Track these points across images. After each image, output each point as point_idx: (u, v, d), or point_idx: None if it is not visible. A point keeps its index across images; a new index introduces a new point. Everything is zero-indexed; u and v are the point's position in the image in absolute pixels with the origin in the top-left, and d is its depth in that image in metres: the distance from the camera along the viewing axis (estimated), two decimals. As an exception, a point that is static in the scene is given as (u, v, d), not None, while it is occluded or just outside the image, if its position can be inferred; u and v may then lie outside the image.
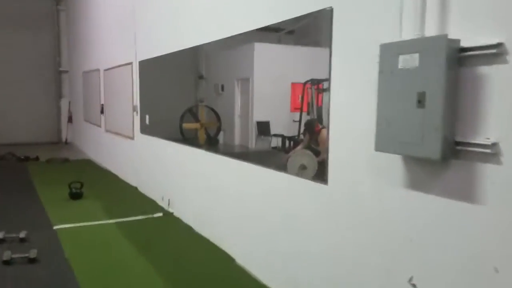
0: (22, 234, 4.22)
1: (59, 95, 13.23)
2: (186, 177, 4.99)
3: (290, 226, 3.13)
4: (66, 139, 13.07)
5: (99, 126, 9.17)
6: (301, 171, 3.04)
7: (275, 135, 3.58)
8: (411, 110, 1.92)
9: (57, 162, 9.25)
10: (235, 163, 3.94)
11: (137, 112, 6.55)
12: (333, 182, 2.68)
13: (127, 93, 6.99)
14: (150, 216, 5.19)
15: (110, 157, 8.42)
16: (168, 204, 5.46)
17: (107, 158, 8.70)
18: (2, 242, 4.15)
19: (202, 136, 4.81)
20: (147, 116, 6.18)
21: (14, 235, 4.22)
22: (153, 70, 5.95)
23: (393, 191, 2.22)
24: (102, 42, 8.85)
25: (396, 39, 2.07)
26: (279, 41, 3.54)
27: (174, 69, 5.46)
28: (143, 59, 6.19)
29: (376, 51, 2.10)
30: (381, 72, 2.07)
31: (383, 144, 2.09)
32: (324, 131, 2.78)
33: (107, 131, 8.53)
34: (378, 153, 2.17)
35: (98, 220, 4.98)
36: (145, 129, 6.31)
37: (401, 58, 1.96)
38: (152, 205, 5.71)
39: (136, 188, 6.66)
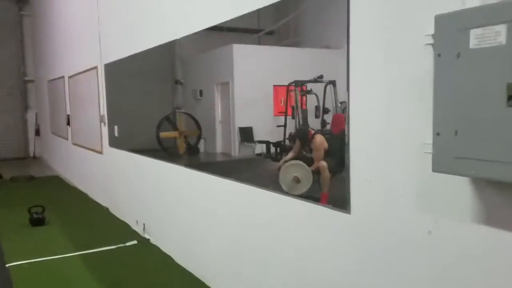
0: (-38, 282, 3.42)
1: (25, 107, 12.26)
2: (164, 197, 4.26)
3: (295, 272, 2.44)
4: (34, 154, 12.10)
5: (66, 138, 8.32)
6: (294, 184, 2.69)
7: (260, 142, 3.38)
8: (495, 111, 1.26)
9: (22, 180, 8.36)
10: (224, 182, 3.25)
11: (104, 123, 5.77)
12: (358, 210, 2.00)
13: (93, 102, 6.21)
14: (122, 245, 4.42)
15: (79, 174, 7.58)
16: (144, 229, 4.70)
17: (75, 175, 7.85)
18: None
19: (181, 145, 4.43)
20: (115, 127, 5.41)
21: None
22: (122, 75, 5.20)
23: (459, 228, 1.55)
24: (66, 46, 8.01)
25: (458, 7, 1.41)
26: (258, 43, 3.42)
27: (147, 75, 4.80)
28: (109, 61, 5.42)
29: (417, 29, 1.44)
30: (439, 56, 1.40)
31: (445, 162, 1.42)
32: (318, 137, 2.59)
33: (74, 144, 7.70)
34: (432, 174, 1.50)
35: (61, 253, 4.19)
36: (114, 142, 5.53)
37: (474, 33, 1.29)
38: (125, 230, 4.94)
39: (107, 209, 5.86)
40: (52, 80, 9.44)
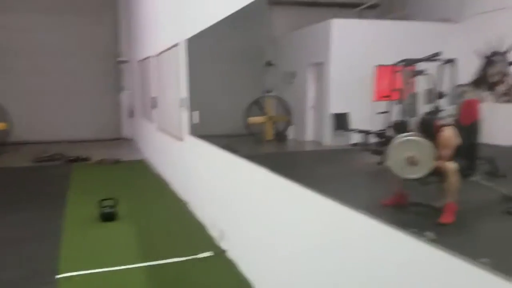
0: (0, 295, 2.86)
1: (119, 88, 12.27)
2: (246, 202, 3.36)
3: None
4: (126, 136, 12.11)
5: (152, 122, 7.88)
6: (408, 167, 2.12)
7: (358, 130, 3.03)
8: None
9: (108, 164, 8.12)
10: (307, 194, 2.23)
11: (184, 107, 5.03)
12: None
13: (174, 83, 5.51)
14: (194, 256, 3.63)
15: (162, 160, 7.07)
16: (221, 237, 3.87)
17: (159, 161, 7.37)
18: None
19: (269, 131, 4.18)
20: (195, 113, 4.62)
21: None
22: (205, 55, 4.40)
23: None
24: (153, 22, 7.49)
25: None
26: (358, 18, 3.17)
27: (234, 55, 4.11)
28: (191, 35, 4.62)
29: None
30: None
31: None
32: (447, 131, 2.12)
33: (158, 128, 7.18)
34: None
35: (122, 263, 3.51)
36: (194, 129, 4.77)
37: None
38: (201, 235, 4.16)
39: (185, 205, 5.17)
40: (141, 60, 9.10)
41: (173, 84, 5.66)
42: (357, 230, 1.97)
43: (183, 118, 5.13)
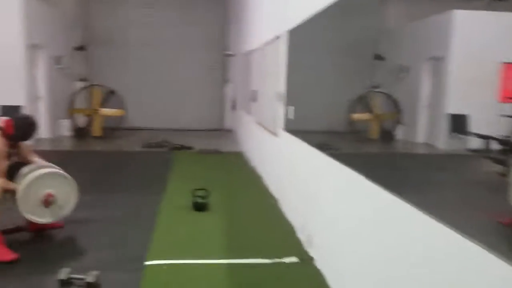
0: (91, 277, 2.95)
1: (224, 81, 12.59)
2: (340, 211, 3.08)
3: None
4: (228, 127, 12.40)
5: (251, 115, 7.88)
6: None
7: (478, 136, 2.67)
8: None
9: (208, 153, 8.34)
10: (429, 222, 1.87)
11: (281, 102, 4.86)
12: None
13: (273, 78, 5.37)
14: (278, 260, 3.44)
15: (258, 154, 7.02)
16: (309, 242, 3.63)
17: (255, 154, 7.33)
18: (66, 285, 2.95)
19: (375, 129, 3.98)
20: (291, 108, 4.42)
21: (81, 276, 2.97)
22: (307, 47, 4.16)
23: None
24: (258, 13, 7.44)
25: None
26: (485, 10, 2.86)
27: (338, 48, 3.83)
28: (293, 26, 4.42)
29: None
30: None
31: None
32: None
33: (256, 122, 7.14)
34: None
35: (208, 256, 3.46)
36: (288, 126, 4.58)
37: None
38: (288, 237, 3.97)
39: (276, 202, 5.02)
40: (245, 53, 9.16)
41: (272, 77, 5.52)
42: (467, 258, 1.59)
43: (279, 113, 4.97)
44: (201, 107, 12.43)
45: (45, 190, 3.50)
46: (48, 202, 3.49)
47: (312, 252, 3.54)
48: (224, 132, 12.18)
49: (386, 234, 2.29)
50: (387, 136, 3.98)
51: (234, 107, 12.14)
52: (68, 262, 3.29)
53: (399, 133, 3.85)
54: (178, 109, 12.26)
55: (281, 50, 4.91)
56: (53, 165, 3.88)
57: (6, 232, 3.62)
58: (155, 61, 12.02)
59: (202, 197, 4.69)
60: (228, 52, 12.41)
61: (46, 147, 8.60)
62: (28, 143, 3.81)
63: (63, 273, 2.96)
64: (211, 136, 11.12)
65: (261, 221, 4.44)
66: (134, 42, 11.88)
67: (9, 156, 3.52)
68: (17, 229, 3.76)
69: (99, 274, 2.97)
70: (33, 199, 3.44)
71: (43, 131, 9.42)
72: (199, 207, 4.63)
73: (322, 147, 3.48)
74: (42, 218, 3.51)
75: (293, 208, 4.34)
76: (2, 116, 7.48)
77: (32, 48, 8.85)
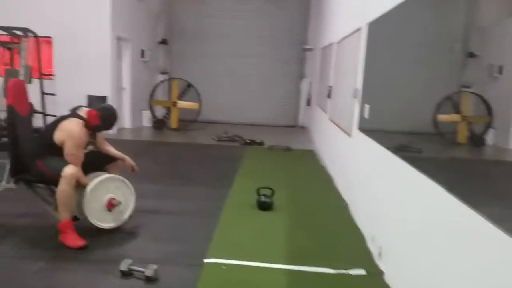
0: (149, 271, 2.93)
1: (300, 76, 12.34)
2: (417, 225, 2.75)
3: None
4: (302, 124, 12.15)
5: (325, 112, 7.59)
6: None
7: None
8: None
9: (278, 150, 8.19)
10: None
11: (357, 99, 4.54)
12: None
13: (350, 73, 5.06)
14: (344, 271, 3.19)
15: (330, 153, 6.72)
16: (380, 254, 3.33)
17: (327, 153, 7.05)
18: (127, 276, 2.96)
19: (462, 132, 3.49)
20: (367, 107, 4.10)
21: (141, 269, 2.97)
22: (388, 40, 3.81)
23: None
24: (338, 5, 7.11)
25: None
26: None
27: (426, 44, 3.40)
28: (374, 18, 4.09)
29: None
30: None
31: None
32: None
33: (330, 119, 6.85)
34: None
35: (269, 259, 3.31)
36: (363, 125, 4.26)
37: None
38: (357, 246, 3.68)
39: (346, 206, 4.73)
40: (324, 47, 8.85)
41: (348, 73, 5.21)
42: None
43: (354, 111, 4.66)
44: (275, 103, 12.30)
45: (108, 194, 3.57)
46: (111, 205, 3.57)
47: (382, 266, 3.24)
48: (298, 128, 11.95)
49: (470, 258, 1.96)
50: (476, 140, 3.53)
51: (308, 103, 11.87)
52: (130, 252, 3.32)
53: (490, 137, 3.41)
54: (252, 104, 12.24)
55: (360, 44, 4.59)
56: (122, 154, 3.97)
57: (76, 218, 3.77)
58: (231, 54, 12.09)
59: (267, 196, 4.55)
60: (306, 47, 12.13)
61: (127, 137, 9.03)
62: (103, 132, 3.92)
63: (124, 264, 2.97)
64: (283, 132, 10.96)
65: (328, 226, 4.19)
66: (212, 36, 12.04)
67: (86, 145, 3.64)
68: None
69: (157, 268, 2.94)
70: (98, 203, 3.52)
71: (126, 121, 9.91)
72: (264, 206, 4.49)
73: (401, 149, 3.16)
74: (105, 223, 3.59)
75: (364, 215, 4.04)
76: (87, 105, 7.94)
77: (119, 41, 9.31)
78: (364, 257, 3.43)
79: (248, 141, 8.85)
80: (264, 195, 4.54)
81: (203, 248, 3.42)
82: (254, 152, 7.87)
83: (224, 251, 3.42)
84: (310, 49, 11.98)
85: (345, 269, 3.20)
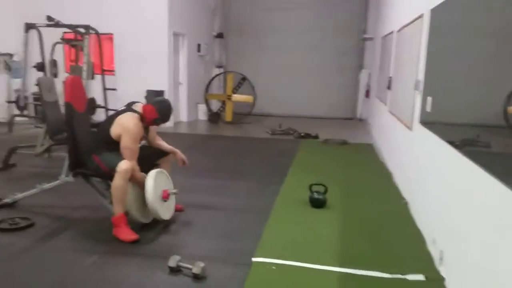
0: (197, 268, 2.90)
1: (359, 66, 11.90)
2: (480, 227, 2.49)
3: None
4: (360, 116, 11.74)
5: (385, 104, 7.23)
6: None
7: None
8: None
9: (334, 144, 7.94)
10: None
11: (418, 91, 4.23)
12: None
13: (411, 63, 4.73)
14: (401, 276, 2.97)
15: (389, 148, 6.39)
16: (441, 259, 3.06)
17: (386, 148, 6.71)
18: (175, 272, 2.95)
19: None
20: (428, 99, 3.80)
21: (189, 266, 2.94)
22: (453, 28, 3.49)
23: None
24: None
25: None
26: None
27: (496, 30, 3.05)
28: (438, 3, 3.76)
29: None
30: None
31: None
32: None
33: (389, 112, 6.50)
34: None
35: (319, 261, 3.16)
36: (425, 119, 3.96)
37: None
38: (415, 248, 3.43)
39: (405, 205, 4.45)
40: (384, 36, 8.43)
41: (409, 63, 4.88)
42: None
43: (415, 103, 4.35)
44: (332, 94, 11.97)
45: (161, 186, 3.61)
46: (167, 195, 3.62)
47: (443, 271, 2.98)
48: (355, 121, 11.56)
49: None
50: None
51: (367, 95, 11.43)
52: (179, 248, 3.32)
53: None
54: (307, 96, 12.00)
55: (422, 32, 4.26)
56: (173, 148, 3.98)
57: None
58: (286, 46, 11.90)
59: (320, 193, 4.38)
60: (366, 36, 11.67)
61: (183, 130, 9.20)
62: (160, 126, 3.96)
63: (172, 260, 2.97)
64: (340, 125, 10.65)
65: (384, 226, 3.96)
66: (267, 29, 11.92)
67: (140, 139, 3.69)
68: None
69: (204, 266, 2.90)
70: (156, 195, 3.55)
71: (182, 115, 10.09)
72: (316, 204, 4.33)
73: (467, 143, 2.87)
74: (164, 214, 3.64)
75: (425, 215, 3.76)
76: (146, 100, 8.15)
77: (176, 36, 9.46)
78: (424, 261, 3.19)
79: (303, 134, 8.67)
80: (317, 192, 4.38)
81: (252, 246, 3.35)
82: (309, 146, 7.69)
83: (273, 250, 3.32)
84: (370, 39, 11.51)
85: (402, 273, 2.98)
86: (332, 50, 11.81)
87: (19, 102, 7.84)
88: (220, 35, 12.02)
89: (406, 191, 4.69)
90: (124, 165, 3.37)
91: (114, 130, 3.52)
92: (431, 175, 3.62)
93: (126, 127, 3.48)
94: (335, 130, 9.47)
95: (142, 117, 3.60)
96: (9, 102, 8.90)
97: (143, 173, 3.62)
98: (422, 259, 3.24)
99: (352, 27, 11.70)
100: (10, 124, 7.96)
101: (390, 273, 3.00)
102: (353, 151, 7.38)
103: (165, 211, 3.68)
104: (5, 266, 2.97)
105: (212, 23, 11.88)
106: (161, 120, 3.68)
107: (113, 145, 3.53)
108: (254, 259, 3.15)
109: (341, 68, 11.89)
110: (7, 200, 4.02)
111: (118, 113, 3.65)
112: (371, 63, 11.23)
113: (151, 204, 3.47)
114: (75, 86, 3.80)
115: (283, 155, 6.82)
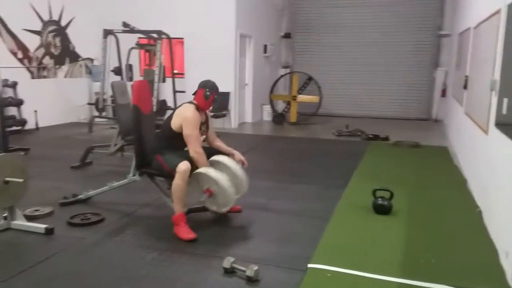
0: (250, 271, 2.89)
1: (434, 64, 11.26)
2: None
3: None
4: (436, 117, 11.09)
5: (461, 105, 6.76)
6: None
7: None
8: None
9: (405, 146, 7.57)
10: None
11: (495, 92, 3.90)
12: None
13: (488, 61, 4.37)
14: (467, 292, 2.75)
15: (464, 152, 5.97)
16: (515, 277, 2.79)
17: (461, 152, 6.27)
18: (229, 273, 2.97)
19: None
20: (505, 101, 3.47)
21: (242, 268, 2.95)
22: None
23: None
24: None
25: None
26: None
27: None
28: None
29: None
30: None
31: None
32: None
33: (465, 113, 6.07)
34: None
35: (380, 270, 3.02)
36: (501, 122, 3.63)
37: None
38: (486, 262, 3.15)
39: (479, 213, 4.12)
40: (461, 33, 7.89)
41: (485, 61, 4.52)
42: None
43: (491, 105, 4.01)
44: (403, 94, 11.45)
45: (207, 185, 3.62)
46: (207, 194, 3.63)
47: (516, 289, 2.72)
48: (431, 122, 10.96)
49: None
50: None
51: (444, 94, 10.78)
52: (235, 249, 3.35)
53: None
54: (377, 96, 11.59)
55: (499, 29, 3.92)
56: (232, 149, 4.01)
57: (191, 211, 3.94)
58: (355, 45, 11.59)
59: (385, 199, 4.19)
60: (442, 32, 11.01)
61: (247, 131, 9.30)
62: (213, 130, 4.03)
63: (227, 262, 2.99)
64: (414, 126, 10.14)
65: (454, 235, 3.68)
66: (335, 27, 11.70)
67: (201, 134, 3.77)
68: (202, 209, 4.06)
69: (258, 269, 2.90)
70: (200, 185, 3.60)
71: (247, 115, 10.21)
72: (380, 210, 4.15)
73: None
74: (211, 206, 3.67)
75: (499, 225, 3.45)
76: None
77: (243, 38, 9.60)
78: (494, 276, 2.92)
79: (371, 136, 8.38)
80: (382, 198, 4.20)
81: (309, 252, 3.28)
82: (377, 149, 7.41)
83: (330, 256, 3.23)
84: (446, 35, 10.85)
85: (470, 287, 2.76)
86: (404, 47, 11.30)
87: (98, 104, 8.40)
88: (287, 35, 12.00)
89: (480, 199, 4.35)
90: (183, 166, 3.47)
91: (174, 122, 3.69)
92: (509, 184, 3.31)
93: (184, 116, 3.64)
94: (407, 132, 9.04)
95: (197, 106, 3.73)
96: (90, 104, 9.59)
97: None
98: (493, 273, 2.97)
99: (426, 23, 11.12)
100: (90, 124, 8.56)
101: (456, 286, 2.78)
102: (425, 155, 6.99)
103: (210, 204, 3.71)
104: (75, 259, 3.18)
105: (279, 24, 11.89)
106: (209, 90, 3.76)
107: (176, 140, 3.69)
108: (310, 265, 3.09)
109: (415, 66, 11.34)
110: (81, 196, 4.32)
111: (176, 108, 3.80)
112: (448, 61, 10.57)
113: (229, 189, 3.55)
114: (142, 90, 3.99)
115: (348, 158, 6.64)
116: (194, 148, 3.60)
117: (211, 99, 3.79)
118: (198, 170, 3.61)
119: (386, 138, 8.23)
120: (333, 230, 3.76)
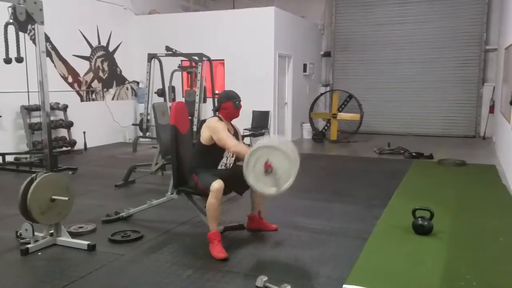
0: (282, 290, 2.88)
1: (481, 79, 10.86)
2: None
3: None
4: (484, 134, 10.64)
5: (508, 122, 6.46)
6: None
7: None
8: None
9: (450, 165, 7.30)
10: None
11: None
12: None
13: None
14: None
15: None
16: None
17: (510, 170, 5.96)
18: (261, 292, 2.97)
19: None
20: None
21: (276, 287, 2.93)
22: None
23: None
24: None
25: None
26: None
27: None
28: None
29: None
30: None
31: None
32: None
33: (513, 130, 5.80)
34: None
35: (417, 293, 2.91)
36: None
37: None
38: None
39: (528, 237, 3.89)
40: (508, 47, 7.60)
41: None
42: None
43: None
44: (449, 110, 11.09)
45: (265, 159, 3.31)
46: (267, 169, 3.30)
47: None
48: (478, 140, 10.52)
49: None
50: None
51: (492, 110, 10.34)
52: (268, 268, 3.34)
53: None
54: (420, 112, 11.29)
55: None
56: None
57: (227, 229, 3.98)
58: (397, 62, 11.43)
59: (425, 219, 4.04)
60: (488, 47, 10.65)
61: (287, 149, 9.28)
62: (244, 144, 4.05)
63: (260, 281, 2.99)
64: (460, 144, 9.78)
65: (497, 260, 3.48)
66: (376, 45, 11.59)
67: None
68: (238, 227, 4.08)
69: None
70: (256, 167, 3.33)
71: (287, 134, 10.23)
72: (420, 231, 4.01)
73: None
74: (265, 187, 3.36)
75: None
76: (252, 120, 8.40)
77: (282, 58, 9.70)
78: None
79: (414, 154, 8.14)
80: (422, 217, 4.06)
81: (344, 273, 3.21)
82: (420, 167, 7.19)
83: (367, 278, 3.15)
84: (493, 50, 10.48)
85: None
86: (449, 62, 11.01)
87: (142, 125, 8.71)
88: (327, 54, 12.01)
89: (530, 221, 4.11)
90: (216, 185, 3.52)
91: (203, 136, 3.81)
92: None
93: (209, 126, 3.77)
94: (452, 150, 8.73)
95: (221, 118, 3.86)
96: (134, 124, 9.97)
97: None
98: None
99: (472, 37, 10.80)
100: (134, 144, 8.89)
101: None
102: (471, 174, 6.70)
103: (266, 183, 3.34)
104: (114, 275, 3.28)
105: (319, 42, 11.93)
106: (237, 99, 3.86)
107: (208, 155, 3.80)
108: (345, 286, 3.02)
109: (460, 81, 10.99)
110: (122, 214, 4.47)
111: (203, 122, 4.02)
112: (495, 77, 10.17)
113: (247, 178, 3.32)
114: (179, 110, 4.11)
115: (390, 176, 6.48)
116: (230, 144, 3.64)
117: (240, 106, 3.91)
118: (249, 151, 3.36)
119: (430, 156, 7.97)
120: (370, 250, 3.67)
